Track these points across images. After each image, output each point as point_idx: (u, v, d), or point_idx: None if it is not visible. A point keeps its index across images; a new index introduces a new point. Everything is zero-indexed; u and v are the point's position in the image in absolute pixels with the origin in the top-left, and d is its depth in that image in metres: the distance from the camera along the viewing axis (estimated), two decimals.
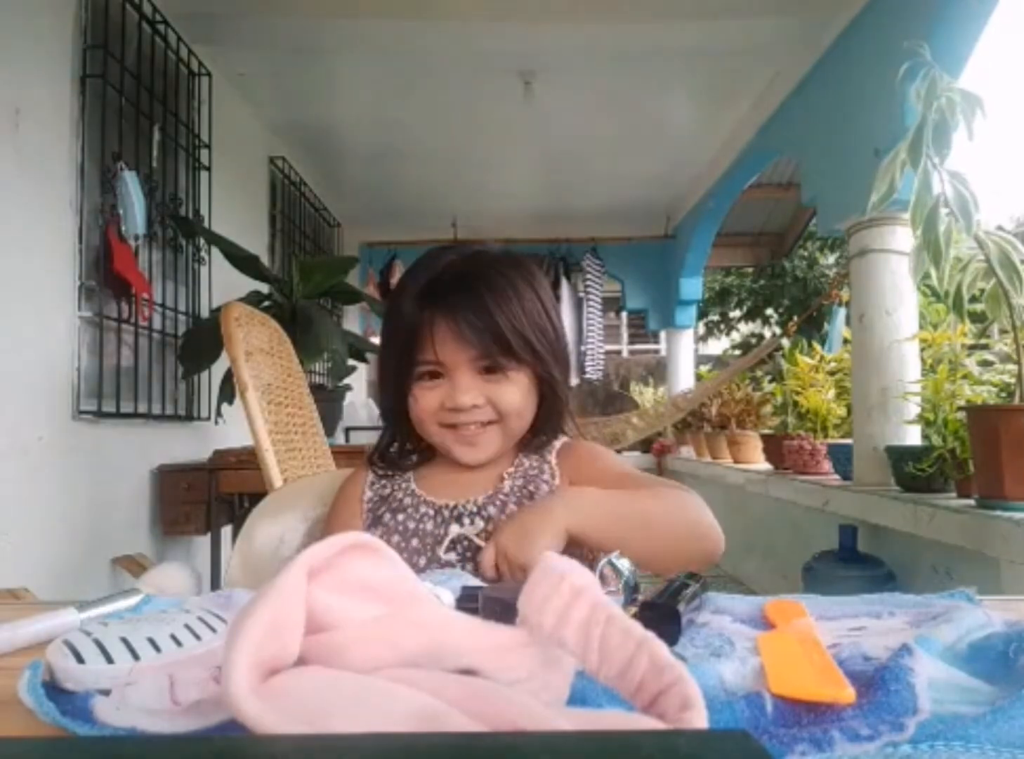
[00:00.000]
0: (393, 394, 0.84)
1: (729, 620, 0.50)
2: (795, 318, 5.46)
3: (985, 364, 2.08)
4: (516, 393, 0.80)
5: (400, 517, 0.83)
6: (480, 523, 0.80)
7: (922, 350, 2.33)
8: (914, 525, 1.98)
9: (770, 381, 4.38)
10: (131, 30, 2.33)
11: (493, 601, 0.46)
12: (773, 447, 3.20)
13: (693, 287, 5.26)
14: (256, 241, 3.44)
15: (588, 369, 5.40)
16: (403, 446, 0.89)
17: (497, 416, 0.81)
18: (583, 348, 5.37)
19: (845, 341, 2.91)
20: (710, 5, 2.70)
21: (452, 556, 0.79)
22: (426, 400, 0.80)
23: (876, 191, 1.69)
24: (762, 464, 3.51)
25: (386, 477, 0.88)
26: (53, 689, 0.37)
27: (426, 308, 0.77)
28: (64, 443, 2.00)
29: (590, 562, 0.87)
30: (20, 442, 1.84)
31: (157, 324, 2.49)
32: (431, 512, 0.82)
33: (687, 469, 4.74)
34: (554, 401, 0.84)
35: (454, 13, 2.71)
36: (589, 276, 5.36)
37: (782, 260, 7.01)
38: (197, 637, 0.41)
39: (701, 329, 8.40)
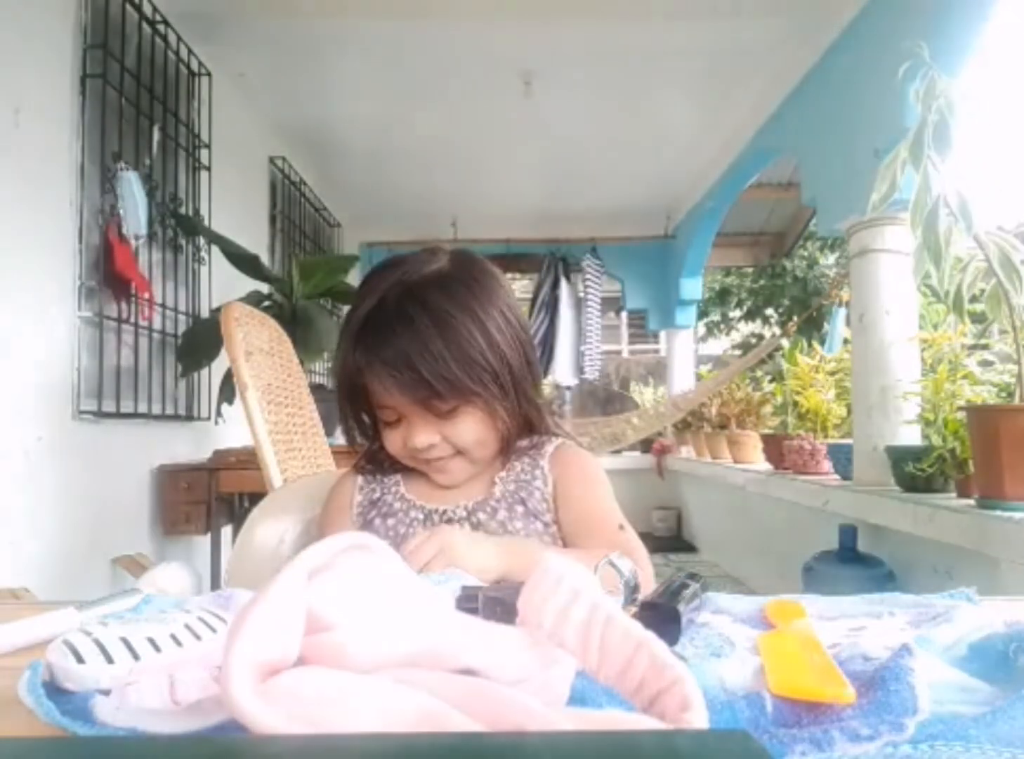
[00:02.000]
0: (354, 419, 0.85)
1: (729, 620, 0.50)
2: (795, 318, 5.46)
3: (985, 364, 2.08)
4: (470, 427, 0.79)
5: (390, 521, 0.83)
6: (468, 529, 0.79)
7: (922, 350, 2.33)
8: (914, 525, 1.98)
9: (770, 381, 4.39)
10: (131, 30, 2.33)
11: (493, 601, 0.46)
12: (773, 447, 3.20)
13: (693, 287, 5.25)
14: (256, 241, 3.44)
15: (586, 369, 5.40)
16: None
17: (456, 450, 0.81)
18: (582, 348, 5.38)
19: (845, 341, 2.91)
20: (710, 5, 2.70)
21: None
22: (391, 442, 0.82)
23: (877, 191, 1.69)
24: (762, 464, 3.50)
25: (375, 481, 0.88)
26: (53, 689, 0.37)
27: (365, 357, 0.77)
28: (64, 443, 2.00)
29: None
30: (20, 442, 1.84)
31: (157, 324, 2.49)
32: (420, 516, 0.82)
33: (687, 469, 4.74)
34: (512, 422, 0.82)
35: (454, 13, 2.71)
36: (589, 276, 5.35)
37: (782, 260, 7.01)
38: (197, 637, 0.41)
39: (701, 329, 8.39)
